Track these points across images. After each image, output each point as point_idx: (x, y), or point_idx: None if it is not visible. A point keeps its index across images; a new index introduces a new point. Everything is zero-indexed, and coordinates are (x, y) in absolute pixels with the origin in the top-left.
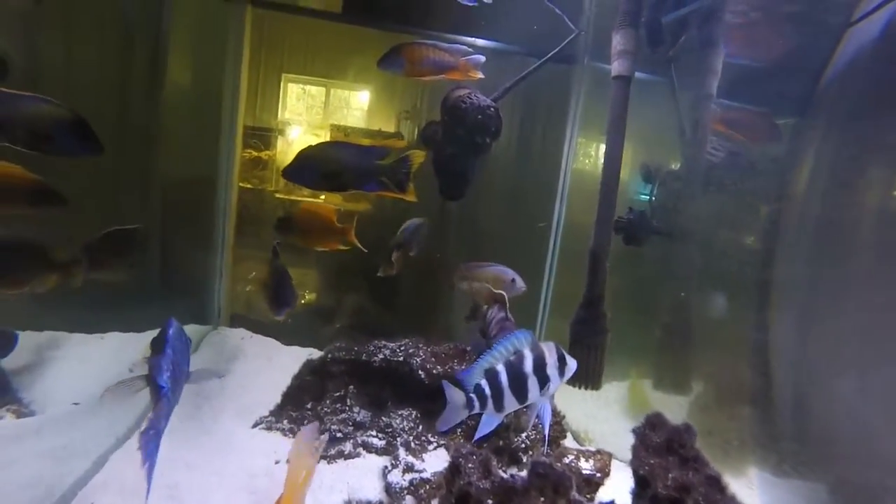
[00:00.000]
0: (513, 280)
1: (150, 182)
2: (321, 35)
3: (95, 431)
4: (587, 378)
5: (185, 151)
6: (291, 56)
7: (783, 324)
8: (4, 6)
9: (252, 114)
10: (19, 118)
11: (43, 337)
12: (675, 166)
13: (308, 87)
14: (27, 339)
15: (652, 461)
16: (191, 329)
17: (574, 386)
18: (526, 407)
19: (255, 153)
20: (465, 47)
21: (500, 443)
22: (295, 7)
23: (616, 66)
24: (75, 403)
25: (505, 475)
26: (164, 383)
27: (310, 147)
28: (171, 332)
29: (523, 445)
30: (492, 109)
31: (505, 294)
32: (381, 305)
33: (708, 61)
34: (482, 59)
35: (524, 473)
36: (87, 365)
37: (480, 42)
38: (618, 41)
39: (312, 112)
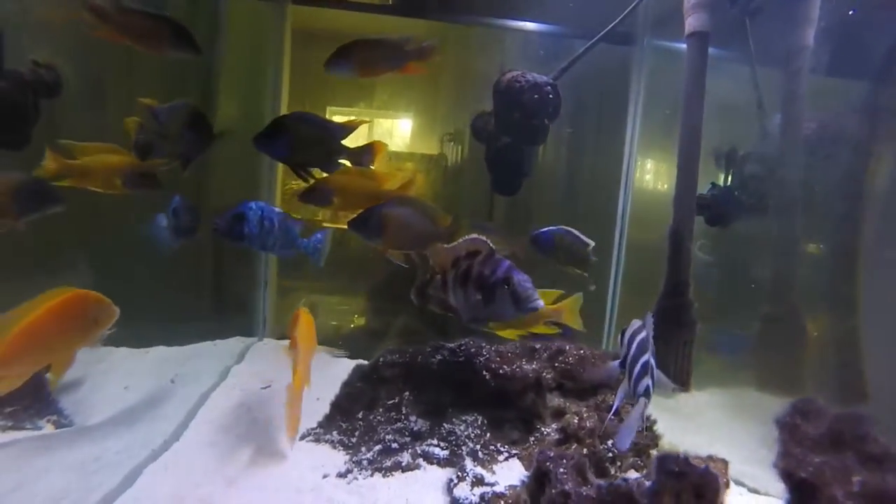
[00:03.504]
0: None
1: (203, 207)
2: None
3: (130, 444)
4: (674, 378)
5: (232, 181)
6: (336, 86)
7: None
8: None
9: None
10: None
11: (91, 351)
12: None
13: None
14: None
15: (817, 460)
16: (235, 342)
17: None
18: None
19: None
20: (409, 36)
21: (584, 451)
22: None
23: (691, 22)
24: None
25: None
26: None
27: (283, 116)
28: None
29: (610, 455)
30: (549, 87)
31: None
32: (432, 327)
33: (801, 8)
34: (434, 43)
35: (636, 476)
36: (129, 378)
37: (530, 25)
38: None
39: (357, 143)
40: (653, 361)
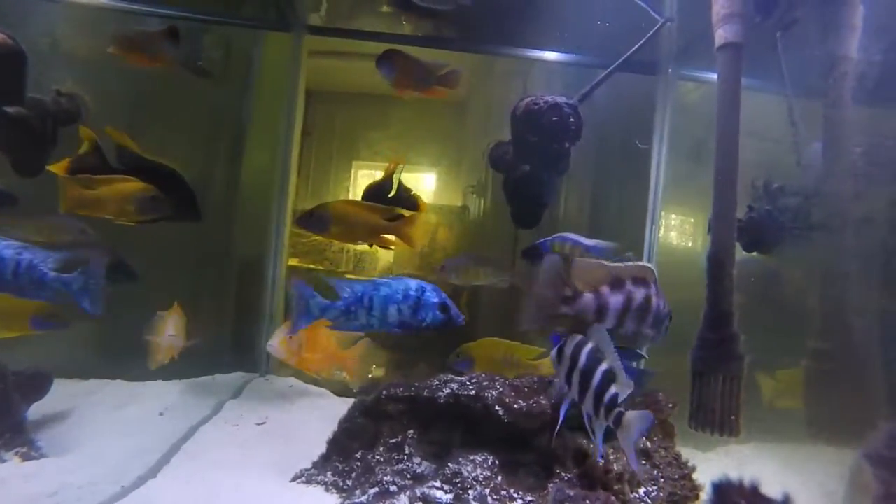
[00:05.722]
0: None
1: (230, 256)
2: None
3: (97, 479)
4: (721, 421)
5: (249, 230)
6: (362, 142)
7: None
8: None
9: (322, 199)
10: None
11: (85, 384)
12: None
13: (376, 173)
14: (70, 387)
15: None
16: (236, 377)
17: (704, 432)
18: None
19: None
20: (444, 62)
21: (613, 498)
22: (349, 30)
23: (721, 34)
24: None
25: None
26: None
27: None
28: None
29: None
30: (569, 108)
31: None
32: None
33: (841, 15)
34: (459, 69)
35: None
36: (117, 412)
37: (552, 56)
38: (722, 3)
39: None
40: (617, 364)
